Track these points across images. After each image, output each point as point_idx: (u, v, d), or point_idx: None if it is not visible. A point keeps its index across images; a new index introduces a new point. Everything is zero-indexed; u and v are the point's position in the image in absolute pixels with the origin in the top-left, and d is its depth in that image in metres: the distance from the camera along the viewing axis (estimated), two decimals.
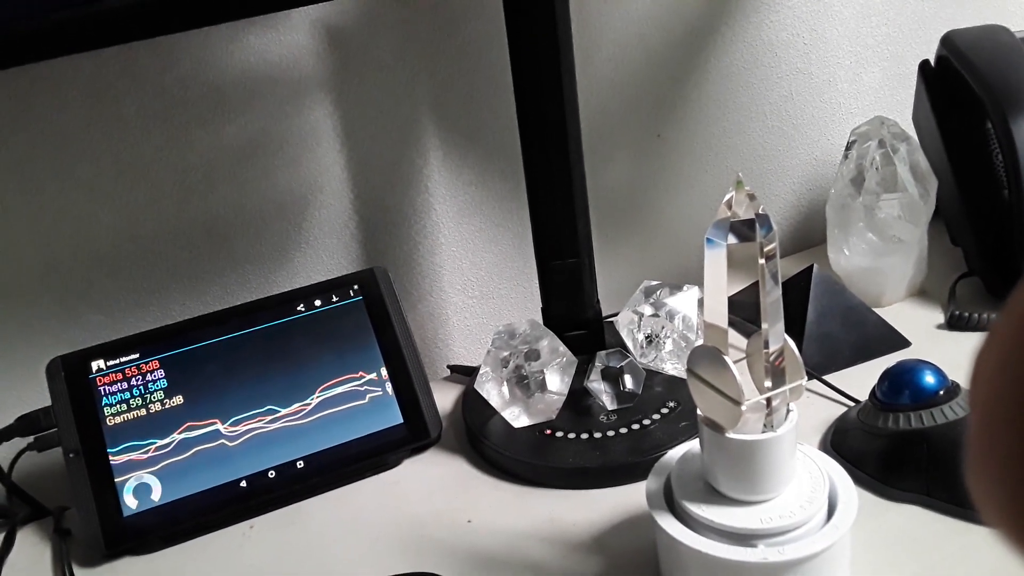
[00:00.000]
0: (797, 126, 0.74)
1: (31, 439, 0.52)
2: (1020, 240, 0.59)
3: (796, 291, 0.59)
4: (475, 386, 0.54)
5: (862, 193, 0.61)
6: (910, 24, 0.75)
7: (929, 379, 0.47)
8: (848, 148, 0.63)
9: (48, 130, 0.55)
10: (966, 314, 0.59)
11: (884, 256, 0.62)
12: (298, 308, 0.56)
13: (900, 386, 0.47)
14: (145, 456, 0.52)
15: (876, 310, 0.60)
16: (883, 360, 0.57)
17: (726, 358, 0.37)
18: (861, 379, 0.53)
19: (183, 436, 0.52)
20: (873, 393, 0.49)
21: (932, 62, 0.66)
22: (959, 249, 0.66)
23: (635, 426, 0.52)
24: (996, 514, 0.20)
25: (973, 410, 0.21)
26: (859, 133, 0.63)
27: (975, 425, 0.21)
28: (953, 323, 0.60)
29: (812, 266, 0.60)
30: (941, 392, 0.46)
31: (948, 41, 0.64)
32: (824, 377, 0.55)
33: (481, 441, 0.54)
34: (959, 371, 0.47)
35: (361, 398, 0.55)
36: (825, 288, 0.59)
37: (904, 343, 0.58)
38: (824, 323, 0.58)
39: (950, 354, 0.50)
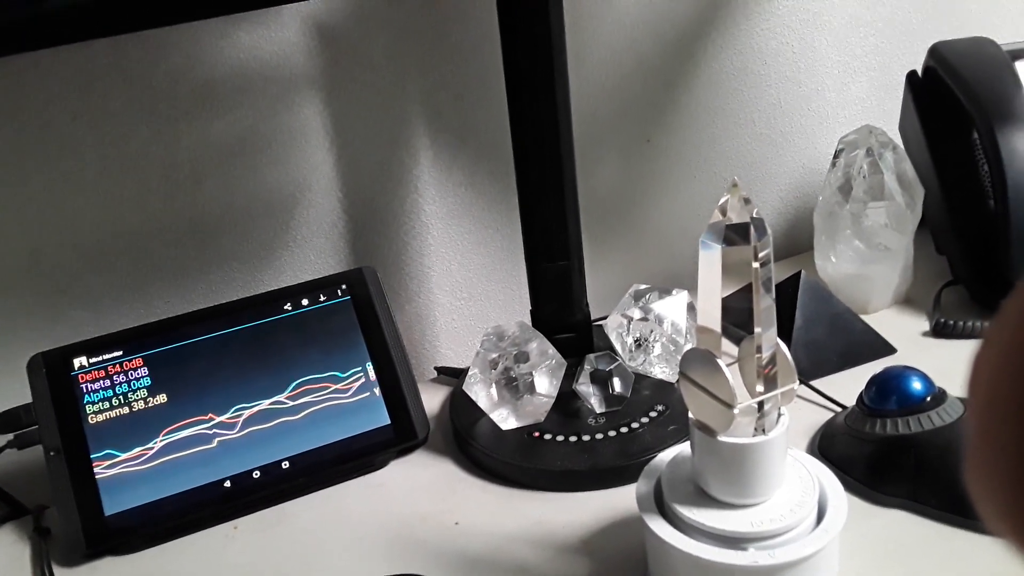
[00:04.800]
0: (785, 134, 0.75)
1: (11, 436, 0.51)
2: (1005, 249, 0.59)
3: (783, 297, 0.59)
4: (463, 388, 0.54)
5: (849, 201, 0.62)
6: (898, 35, 0.76)
7: (916, 385, 0.47)
8: (836, 156, 0.64)
9: (34, 123, 0.54)
10: (951, 322, 0.60)
11: (871, 263, 0.63)
12: (285, 307, 0.56)
13: (887, 392, 0.48)
14: (127, 455, 0.51)
15: (862, 317, 0.60)
16: (869, 366, 0.57)
17: (719, 361, 0.37)
18: (847, 385, 0.54)
19: (166, 435, 0.52)
20: (860, 399, 0.49)
21: (919, 73, 0.67)
22: (944, 257, 0.66)
23: (623, 429, 0.52)
24: (996, 516, 0.20)
25: (971, 413, 0.21)
26: (847, 141, 0.63)
27: (974, 427, 0.21)
28: (938, 330, 0.60)
29: (799, 272, 0.60)
30: (928, 398, 0.47)
31: (936, 52, 0.64)
32: (811, 383, 0.56)
33: (469, 443, 0.54)
34: (944, 378, 0.48)
35: (348, 398, 0.55)
36: (812, 295, 0.59)
37: (890, 350, 0.59)
38: (811, 329, 0.58)
39: (935, 361, 0.50)
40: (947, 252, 0.66)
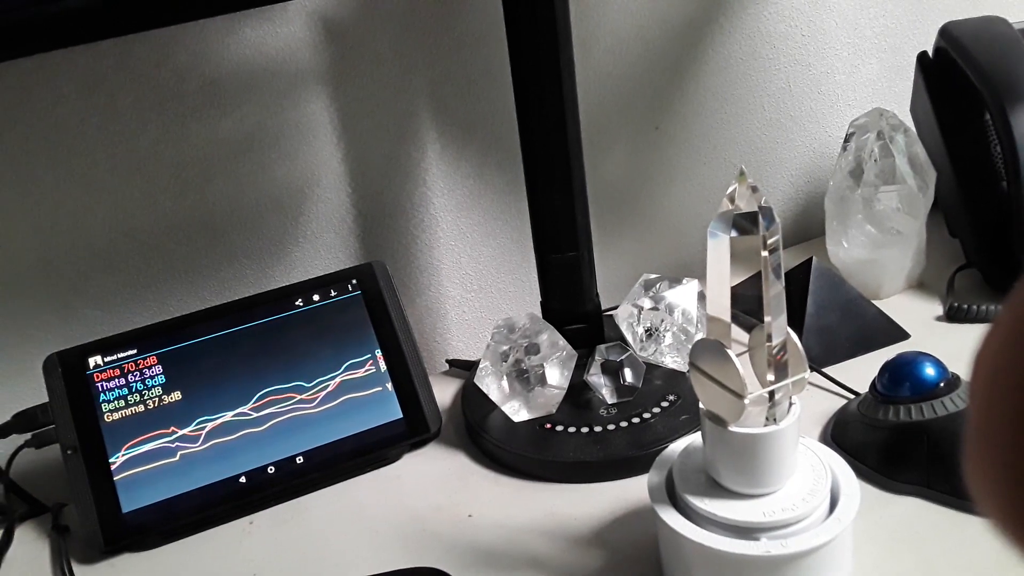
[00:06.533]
0: (795, 118, 0.74)
1: (28, 436, 0.52)
2: (1018, 232, 0.59)
3: (795, 284, 0.59)
4: (475, 380, 0.54)
5: (861, 185, 0.61)
6: (908, 15, 0.75)
7: (929, 371, 0.47)
8: (846, 140, 0.63)
9: (43, 124, 0.54)
10: (965, 306, 0.59)
11: (883, 248, 0.62)
12: (296, 303, 0.56)
13: (900, 378, 0.47)
14: (143, 452, 0.51)
15: (875, 302, 0.60)
16: (882, 352, 0.57)
17: (729, 351, 0.37)
18: (860, 371, 0.53)
19: (181, 432, 0.52)
20: (873, 385, 0.49)
21: (930, 53, 0.66)
22: (957, 241, 0.66)
23: (635, 420, 0.52)
24: (992, 505, 0.20)
25: (972, 401, 0.21)
26: (857, 125, 0.63)
27: (974, 416, 0.21)
28: (952, 315, 0.60)
29: (811, 258, 0.60)
30: (941, 384, 0.46)
31: (946, 32, 0.63)
32: (824, 369, 0.56)
33: (481, 435, 0.54)
34: (958, 363, 0.47)
35: (360, 392, 0.55)
36: (824, 281, 0.59)
37: (903, 335, 0.59)
38: (823, 316, 0.58)
39: (949, 346, 0.50)
40: (960, 235, 0.65)
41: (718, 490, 0.40)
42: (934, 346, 0.50)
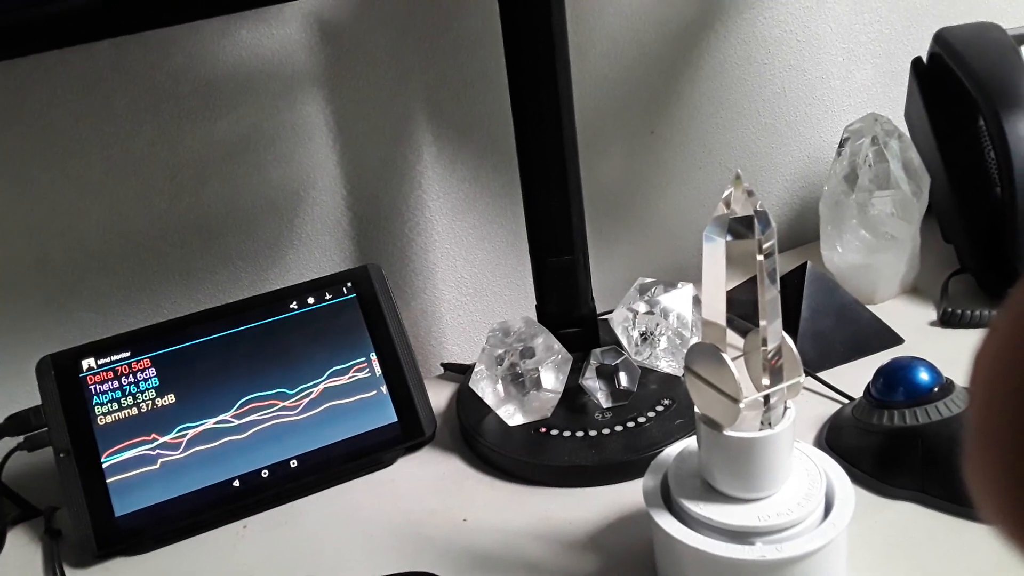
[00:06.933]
0: (790, 123, 0.74)
1: (21, 439, 0.52)
2: (1012, 237, 0.59)
3: (790, 288, 0.59)
4: (470, 384, 0.54)
5: (855, 190, 0.61)
6: (903, 21, 0.76)
7: (923, 376, 0.47)
8: (841, 145, 0.63)
9: (37, 125, 0.54)
10: (959, 311, 0.59)
11: (877, 253, 0.62)
12: (291, 306, 0.56)
13: (894, 383, 0.48)
14: (137, 456, 0.51)
15: (869, 307, 0.60)
16: (876, 357, 0.57)
17: (724, 356, 0.37)
18: (854, 376, 0.54)
19: (175, 435, 0.52)
20: (867, 390, 0.49)
21: (924, 59, 0.66)
22: (951, 246, 0.66)
23: (630, 424, 0.52)
24: (992, 508, 0.20)
25: (972, 403, 0.21)
26: (852, 130, 0.63)
27: (974, 418, 0.21)
28: (946, 320, 0.60)
29: (806, 263, 0.60)
30: (935, 389, 0.47)
31: (940, 38, 0.64)
32: (818, 374, 0.56)
33: (476, 439, 0.54)
34: (952, 368, 0.47)
35: (354, 396, 0.55)
36: (818, 285, 0.59)
37: (897, 340, 0.59)
38: (817, 320, 0.58)
39: (943, 351, 0.50)
40: (954, 240, 0.66)
41: (713, 494, 0.40)
42: (928, 351, 0.50)
